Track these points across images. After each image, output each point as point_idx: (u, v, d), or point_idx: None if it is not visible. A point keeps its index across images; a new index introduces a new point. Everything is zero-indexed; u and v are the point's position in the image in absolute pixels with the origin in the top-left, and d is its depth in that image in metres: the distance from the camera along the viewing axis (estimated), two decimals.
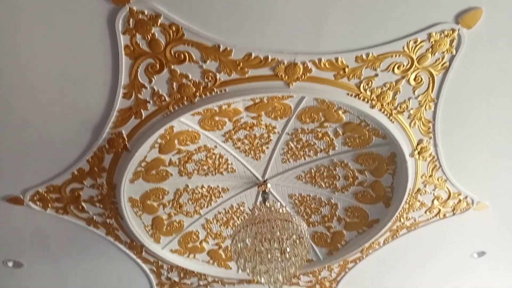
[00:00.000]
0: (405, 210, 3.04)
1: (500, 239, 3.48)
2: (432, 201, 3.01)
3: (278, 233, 2.50)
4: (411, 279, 3.94)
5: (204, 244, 3.41)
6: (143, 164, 2.64)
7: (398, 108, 2.36)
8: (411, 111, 2.38)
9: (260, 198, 3.05)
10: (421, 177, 2.80)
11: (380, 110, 2.36)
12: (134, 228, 3.00)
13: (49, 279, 3.51)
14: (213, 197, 3.09)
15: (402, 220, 3.14)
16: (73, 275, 3.50)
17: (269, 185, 2.98)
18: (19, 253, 3.16)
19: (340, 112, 2.46)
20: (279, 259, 2.54)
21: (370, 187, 3.00)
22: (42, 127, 2.26)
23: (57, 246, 3.14)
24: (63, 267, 3.38)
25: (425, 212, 3.10)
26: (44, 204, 2.73)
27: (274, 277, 2.52)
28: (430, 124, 2.46)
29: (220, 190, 3.05)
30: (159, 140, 2.50)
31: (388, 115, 2.38)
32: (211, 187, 3.01)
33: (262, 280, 2.55)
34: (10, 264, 3.21)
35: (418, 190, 2.90)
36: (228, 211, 3.22)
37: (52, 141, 2.36)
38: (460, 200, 3.02)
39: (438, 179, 2.83)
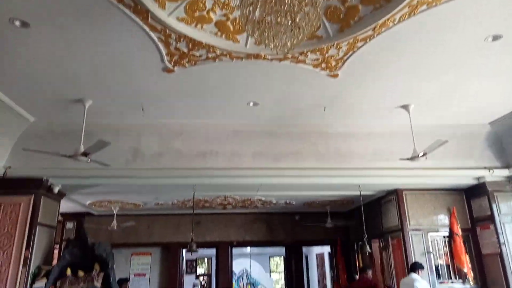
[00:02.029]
0: None
1: None
2: None
3: None
4: (420, 63, 3.96)
5: (211, 14, 3.27)
6: None
7: None
8: None
9: None
10: None
11: None
12: None
13: (55, 43, 3.52)
14: None
15: None
16: (79, 40, 3.48)
17: None
18: (24, 13, 3.08)
19: None
20: (289, 25, 2.46)
21: None
22: None
23: (59, 7, 3.03)
24: (68, 30, 3.33)
25: None
26: None
27: (282, 41, 2.51)
28: None
29: None
30: None
31: None
32: None
33: (271, 45, 2.55)
34: (17, 23, 3.17)
35: None
36: None
37: None
38: None
39: None
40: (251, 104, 4.95)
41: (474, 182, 6.12)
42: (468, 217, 6.43)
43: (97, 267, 5.64)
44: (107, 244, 5.95)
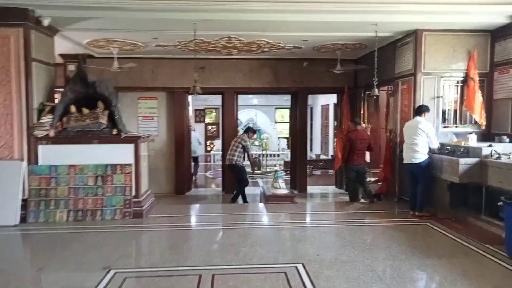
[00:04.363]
0: None
1: None
2: None
3: None
4: None
5: None
6: None
7: None
8: None
9: None
10: None
11: None
12: None
13: None
14: None
15: None
16: None
17: None
18: None
19: None
20: None
21: None
22: None
23: None
24: None
25: None
26: None
27: None
28: None
29: None
30: None
31: None
32: None
33: None
34: None
35: None
36: None
37: None
38: None
39: None
40: None
41: (505, 21, 5.50)
42: (488, 61, 6.03)
43: (100, 105, 5.63)
44: (109, 82, 5.82)
